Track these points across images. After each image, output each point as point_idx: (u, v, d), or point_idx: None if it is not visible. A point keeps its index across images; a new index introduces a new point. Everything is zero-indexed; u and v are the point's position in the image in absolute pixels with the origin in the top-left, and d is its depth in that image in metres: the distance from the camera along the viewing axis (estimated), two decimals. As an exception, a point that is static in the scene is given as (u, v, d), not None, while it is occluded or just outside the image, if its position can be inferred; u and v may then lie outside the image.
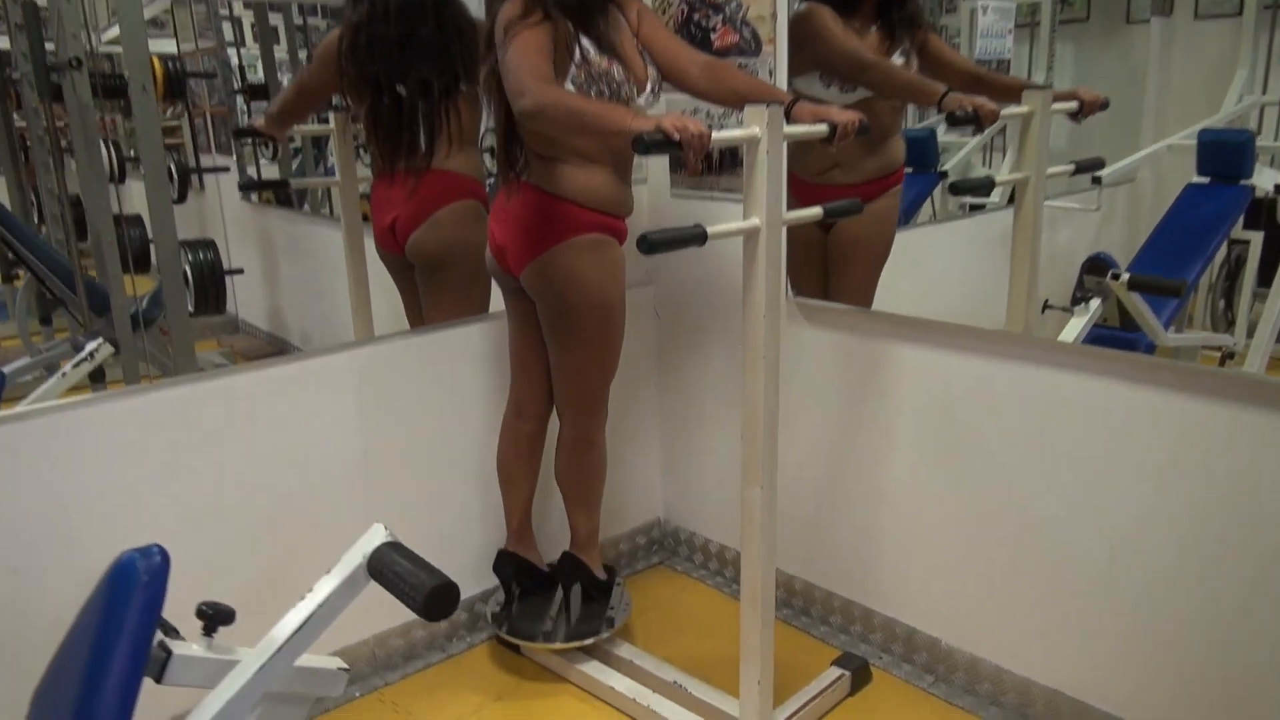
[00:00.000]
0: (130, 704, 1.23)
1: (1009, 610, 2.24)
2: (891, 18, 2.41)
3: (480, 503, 2.60)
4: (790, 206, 1.91)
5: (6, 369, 2.71)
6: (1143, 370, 1.93)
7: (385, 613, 2.34)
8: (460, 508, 2.59)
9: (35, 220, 3.06)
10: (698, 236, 1.73)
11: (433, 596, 1.32)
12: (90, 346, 2.45)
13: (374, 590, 1.43)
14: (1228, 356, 2.56)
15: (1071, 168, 2.40)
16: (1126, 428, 1.95)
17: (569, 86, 2.01)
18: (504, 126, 2.14)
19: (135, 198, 2.42)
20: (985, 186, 2.58)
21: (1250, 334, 2.56)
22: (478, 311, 2.59)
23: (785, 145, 1.82)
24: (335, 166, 2.81)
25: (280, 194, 3.35)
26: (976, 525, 2.25)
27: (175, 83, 3.04)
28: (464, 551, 2.61)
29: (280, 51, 3.09)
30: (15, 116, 2.98)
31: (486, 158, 2.64)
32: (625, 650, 2.48)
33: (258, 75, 3.08)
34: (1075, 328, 2.35)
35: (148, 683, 1.30)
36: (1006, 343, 2.15)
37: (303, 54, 3.10)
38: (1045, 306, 2.36)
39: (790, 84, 2.38)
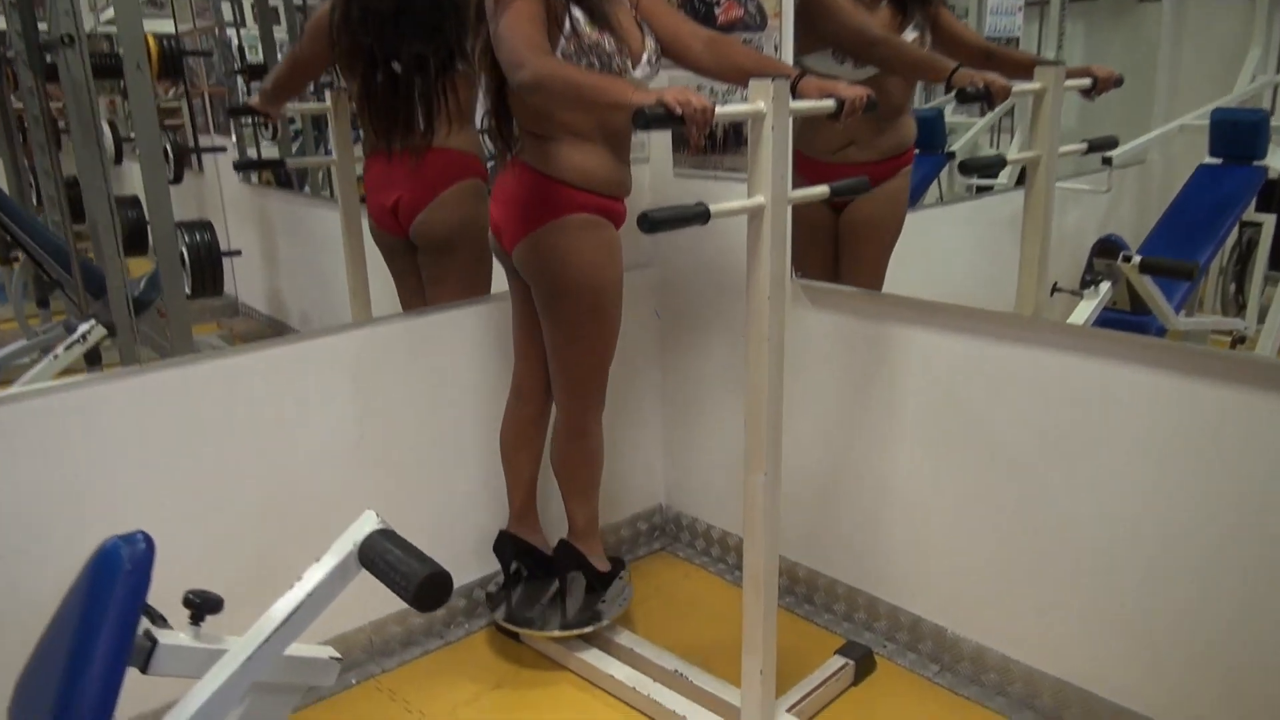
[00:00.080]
0: (113, 694, 1.21)
1: (1015, 598, 2.20)
2: None
3: (482, 487, 2.57)
4: (801, 186, 1.87)
5: (0, 352, 2.69)
6: (1154, 354, 1.89)
7: (382, 599, 2.26)
8: (461, 492, 2.56)
9: (34, 202, 3.04)
10: (700, 215, 1.68)
11: (424, 586, 1.29)
12: (83, 329, 2.43)
13: (370, 577, 1.39)
14: (1239, 340, 2.54)
15: (1084, 146, 2.35)
16: (1137, 412, 1.92)
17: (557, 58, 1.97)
18: (496, 102, 2.09)
19: (135, 179, 2.39)
20: (996, 165, 2.55)
21: (1261, 318, 2.54)
22: (482, 293, 2.56)
23: (790, 121, 1.77)
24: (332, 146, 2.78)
25: (279, 175, 3.32)
26: (983, 512, 2.22)
27: (171, 61, 3.02)
28: (464, 537, 2.58)
29: (280, 32, 3.07)
30: (12, 98, 2.95)
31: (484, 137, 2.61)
32: (625, 638, 2.45)
33: (258, 56, 3.05)
34: (1085, 311, 2.31)
35: (134, 673, 1.28)
36: (1015, 326, 2.11)
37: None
38: (1054, 289, 2.32)
39: (801, 61, 2.33)
